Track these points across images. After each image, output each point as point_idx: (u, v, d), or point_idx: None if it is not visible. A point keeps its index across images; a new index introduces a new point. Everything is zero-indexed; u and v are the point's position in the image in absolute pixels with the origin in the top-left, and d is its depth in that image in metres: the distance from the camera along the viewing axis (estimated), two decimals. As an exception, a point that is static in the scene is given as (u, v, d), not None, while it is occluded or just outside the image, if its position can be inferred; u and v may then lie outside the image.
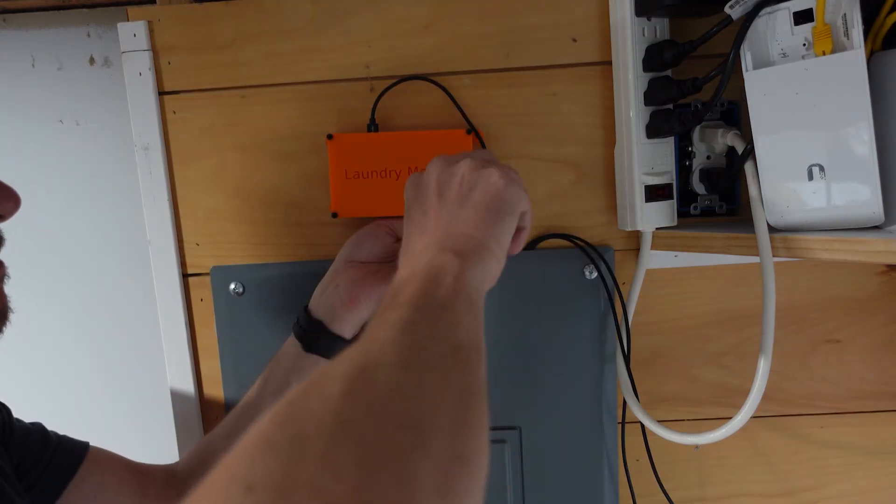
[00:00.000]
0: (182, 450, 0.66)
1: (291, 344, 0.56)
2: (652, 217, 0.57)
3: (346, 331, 0.55)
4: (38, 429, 0.53)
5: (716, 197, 0.60)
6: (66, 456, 0.52)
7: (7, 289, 0.45)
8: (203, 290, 0.65)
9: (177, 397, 0.66)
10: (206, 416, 0.67)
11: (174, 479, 0.56)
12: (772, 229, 0.50)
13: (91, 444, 0.54)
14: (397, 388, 0.26)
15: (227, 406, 0.66)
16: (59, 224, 0.77)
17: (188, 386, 0.66)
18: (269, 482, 0.21)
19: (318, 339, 0.54)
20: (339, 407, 0.24)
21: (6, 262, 0.45)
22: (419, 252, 0.41)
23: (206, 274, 0.64)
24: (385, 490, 0.22)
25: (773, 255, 0.49)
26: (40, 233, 0.77)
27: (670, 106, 0.56)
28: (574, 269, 0.62)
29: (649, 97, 0.55)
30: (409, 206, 0.46)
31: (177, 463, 0.58)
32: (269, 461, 0.22)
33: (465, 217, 0.41)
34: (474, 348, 0.32)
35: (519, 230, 0.44)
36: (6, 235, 0.45)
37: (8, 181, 0.44)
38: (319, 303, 0.55)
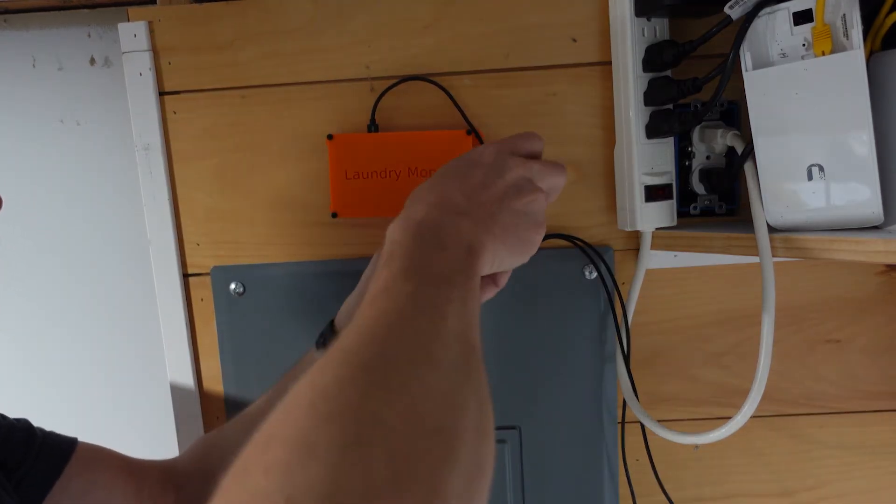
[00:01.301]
0: (183, 450, 0.66)
1: (313, 362, 0.53)
2: (652, 217, 0.57)
3: None
4: (23, 425, 0.50)
5: (716, 197, 0.60)
6: (53, 453, 0.49)
7: None
8: (203, 290, 0.65)
9: (177, 397, 0.66)
10: (206, 416, 0.67)
11: (171, 477, 0.54)
12: (772, 229, 0.50)
13: (80, 440, 0.52)
14: (429, 392, 0.26)
15: (227, 406, 0.66)
16: (59, 224, 0.77)
17: (188, 386, 0.66)
18: (311, 494, 0.20)
19: None
20: (377, 407, 0.23)
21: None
22: (451, 205, 0.38)
23: (206, 274, 0.64)
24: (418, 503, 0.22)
25: (773, 255, 0.49)
26: (40, 233, 0.77)
27: (670, 106, 0.56)
28: (574, 269, 0.62)
29: (649, 97, 0.55)
30: (459, 161, 0.43)
31: (175, 459, 0.56)
32: (310, 468, 0.21)
33: (505, 224, 0.40)
34: (480, 349, 0.31)
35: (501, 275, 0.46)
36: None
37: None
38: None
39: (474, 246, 0.35)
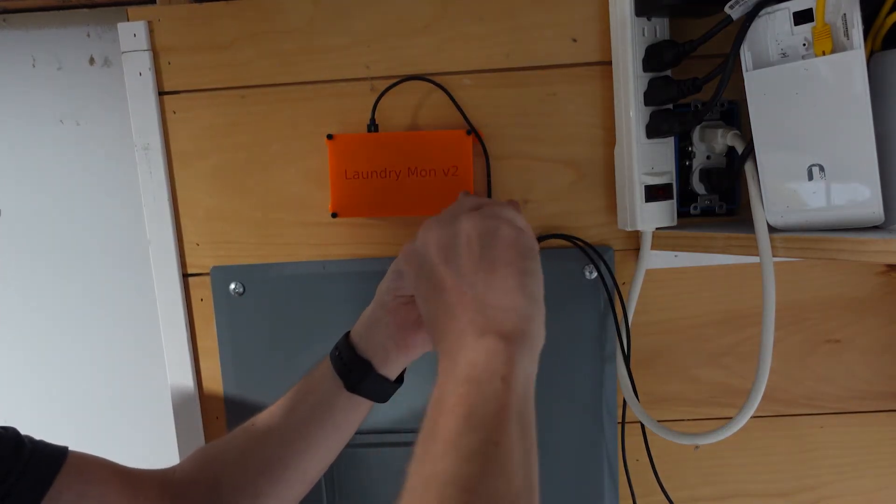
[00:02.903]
0: (182, 450, 0.66)
1: (327, 376, 0.51)
2: (652, 217, 0.57)
3: (393, 372, 0.51)
4: (11, 434, 0.47)
5: (716, 197, 0.60)
6: (43, 463, 0.46)
7: None
8: (203, 290, 0.65)
9: (177, 397, 0.66)
10: (206, 416, 0.67)
11: (169, 487, 0.52)
12: (772, 229, 0.50)
13: (71, 448, 0.49)
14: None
15: (227, 406, 0.66)
16: (59, 224, 0.77)
17: (188, 386, 0.66)
18: None
19: (364, 380, 0.50)
20: None
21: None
22: (454, 341, 0.37)
23: (206, 274, 0.64)
24: None
25: (773, 255, 0.49)
26: (40, 233, 0.77)
27: (670, 106, 0.56)
28: (574, 269, 0.62)
29: (649, 97, 0.55)
30: (416, 283, 0.42)
31: (173, 469, 0.54)
32: None
33: (494, 284, 0.38)
34: (532, 488, 0.31)
35: None
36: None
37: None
38: (368, 339, 0.51)
39: (511, 366, 0.34)
